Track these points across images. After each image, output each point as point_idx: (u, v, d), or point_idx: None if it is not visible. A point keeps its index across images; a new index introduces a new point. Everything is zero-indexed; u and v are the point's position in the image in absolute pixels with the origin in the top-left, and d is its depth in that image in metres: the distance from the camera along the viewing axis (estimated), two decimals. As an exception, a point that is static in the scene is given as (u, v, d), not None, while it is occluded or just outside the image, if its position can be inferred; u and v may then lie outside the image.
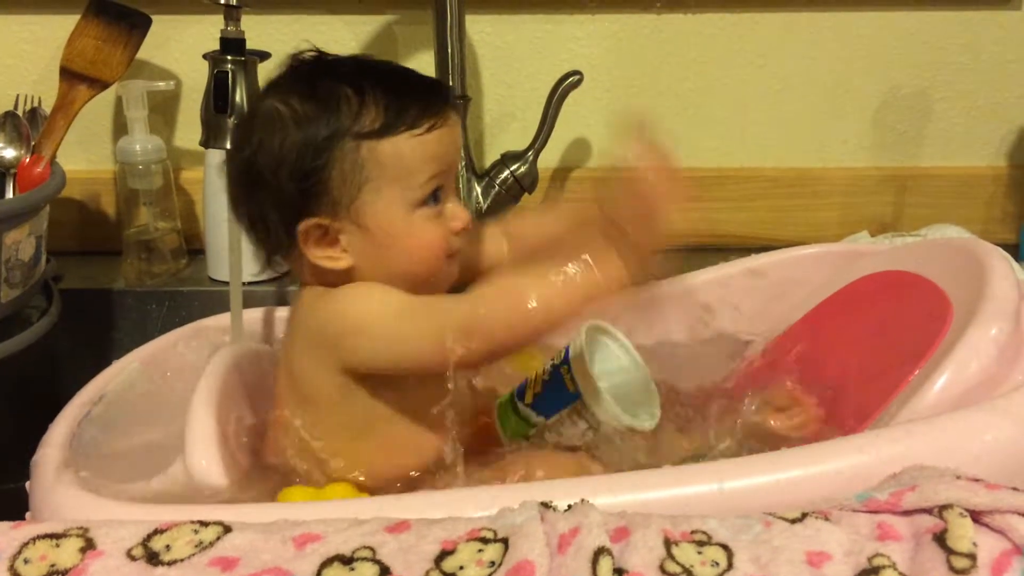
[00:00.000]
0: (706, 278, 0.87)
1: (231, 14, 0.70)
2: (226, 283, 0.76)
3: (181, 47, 1.01)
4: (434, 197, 0.63)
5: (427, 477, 0.65)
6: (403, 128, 0.61)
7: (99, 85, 0.89)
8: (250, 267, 0.94)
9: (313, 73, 0.64)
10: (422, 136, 0.62)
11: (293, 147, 0.61)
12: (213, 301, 0.94)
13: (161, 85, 0.97)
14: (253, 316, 0.82)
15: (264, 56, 0.90)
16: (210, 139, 0.72)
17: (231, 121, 0.70)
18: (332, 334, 0.62)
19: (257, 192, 0.63)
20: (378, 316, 0.61)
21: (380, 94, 0.61)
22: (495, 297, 0.60)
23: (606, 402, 0.64)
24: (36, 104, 0.93)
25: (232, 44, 0.70)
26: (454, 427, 0.63)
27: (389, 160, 0.61)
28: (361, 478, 0.65)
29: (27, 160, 0.86)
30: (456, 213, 0.65)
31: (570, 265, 0.59)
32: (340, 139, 0.61)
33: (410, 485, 0.65)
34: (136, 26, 0.90)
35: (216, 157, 0.92)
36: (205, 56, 0.77)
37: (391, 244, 0.63)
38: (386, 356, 0.62)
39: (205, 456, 0.61)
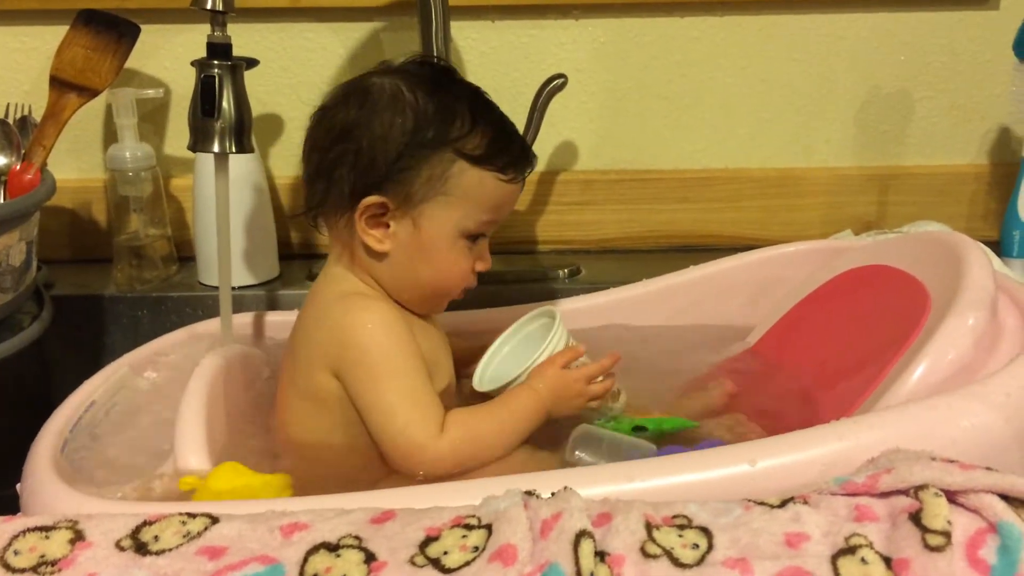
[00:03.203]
0: (692, 276, 0.88)
1: (217, 20, 0.71)
2: (216, 288, 0.77)
3: (170, 56, 1.02)
4: (477, 236, 0.69)
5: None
6: (494, 167, 0.66)
7: (88, 93, 0.90)
8: (239, 272, 0.96)
9: (436, 78, 0.68)
10: (502, 183, 0.67)
11: (403, 131, 0.65)
12: (203, 306, 0.95)
13: (150, 93, 0.98)
14: (242, 320, 0.83)
15: (252, 63, 0.90)
16: (197, 143, 0.72)
17: (218, 125, 0.71)
18: (338, 342, 0.65)
19: (342, 147, 0.66)
20: (381, 354, 0.64)
21: (489, 129, 0.67)
22: (459, 444, 0.63)
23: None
24: (27, 113, 0.94)
25: (218, 49, 0.71)
26: None
27: (470, 187, 0.66)
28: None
29: (17, 167, 0.87)
30: (484, 255, 0.71)
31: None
32: (443, 147, 0.65)
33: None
34: (125, 35, 0.91)
35: (206, 163, 0.93)
36: (193, 62, 0.78)
37: (429, 254, 0.67)
38: (355, 387, 0.65)
39: (194, 457, 0.61)
